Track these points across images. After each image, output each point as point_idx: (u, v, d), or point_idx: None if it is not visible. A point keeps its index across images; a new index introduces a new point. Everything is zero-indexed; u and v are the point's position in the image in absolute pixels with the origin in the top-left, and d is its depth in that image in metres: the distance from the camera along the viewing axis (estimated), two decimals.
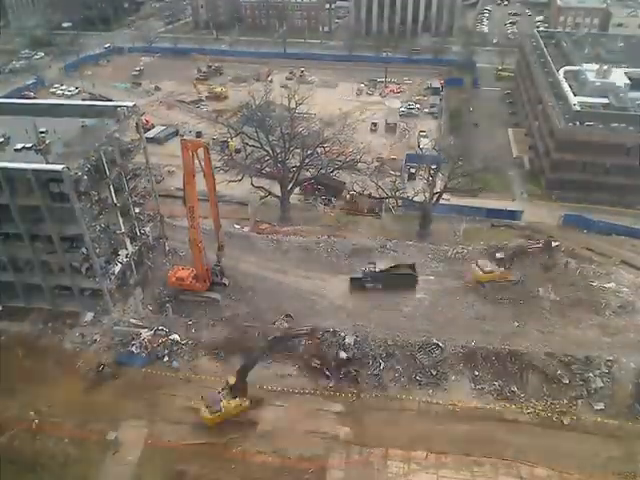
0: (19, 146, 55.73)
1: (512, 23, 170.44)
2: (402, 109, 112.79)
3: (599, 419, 49.57)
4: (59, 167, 50.93)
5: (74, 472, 46.58)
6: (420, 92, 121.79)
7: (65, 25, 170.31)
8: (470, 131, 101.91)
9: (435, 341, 55.64)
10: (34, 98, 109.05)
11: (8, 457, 46.63)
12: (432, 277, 65.03)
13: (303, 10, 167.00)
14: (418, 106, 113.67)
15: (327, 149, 79.11)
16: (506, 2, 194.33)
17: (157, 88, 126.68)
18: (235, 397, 48.51)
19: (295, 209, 79.46)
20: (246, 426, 48.52)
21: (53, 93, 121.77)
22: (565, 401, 50.90)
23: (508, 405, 50.80)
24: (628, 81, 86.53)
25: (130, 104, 62.18)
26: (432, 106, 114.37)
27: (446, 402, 51.08)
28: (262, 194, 77.91)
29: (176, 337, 57.58)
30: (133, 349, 56.31)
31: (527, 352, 54.42)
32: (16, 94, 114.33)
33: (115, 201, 59.20)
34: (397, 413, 50.23)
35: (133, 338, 57.32)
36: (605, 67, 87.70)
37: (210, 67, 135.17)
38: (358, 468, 45.97)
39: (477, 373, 53.45)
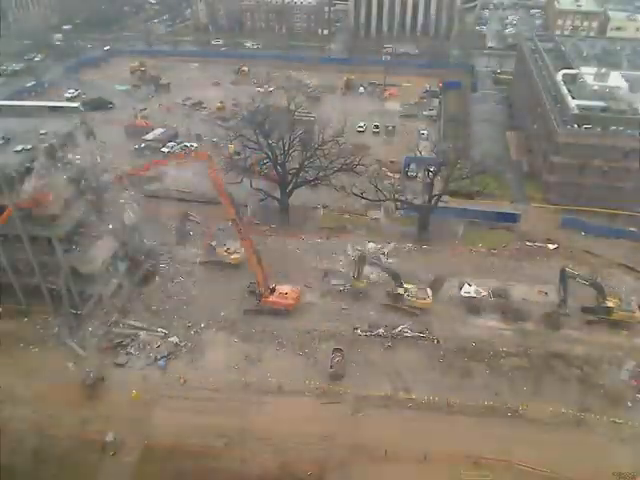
0: (19, 147, 55.93)
1: (511, 26, 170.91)
2: (401, 112, 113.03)
3: (602, 420, 49.73)
4: None
5: (73, 473, 46.53)
6: (419, 95, 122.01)
7: (65, 27, 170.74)
8: (468, 134, 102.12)
9: None
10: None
11: (7, 458, 46.54)
12: None
13: (302, 13, 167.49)
14: (417, 109, 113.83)
15: (326, 152, 79.05)
16: (505, 6, 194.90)
17: (157, 90, 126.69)
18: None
19: (294, 211, 79.47)
20: None
21: (52, 96, 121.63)
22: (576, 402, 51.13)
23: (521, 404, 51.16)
24: (626, 84, 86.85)
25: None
26: (431, 109, 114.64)
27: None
28: (261, 196, 77.94)
29: (175, 339, 57.73)
30: (132, 351, 56.47)
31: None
32: (17, 96, 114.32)
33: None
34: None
35: (132, 340, 57.52)
36: (603, 70, 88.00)
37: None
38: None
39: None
